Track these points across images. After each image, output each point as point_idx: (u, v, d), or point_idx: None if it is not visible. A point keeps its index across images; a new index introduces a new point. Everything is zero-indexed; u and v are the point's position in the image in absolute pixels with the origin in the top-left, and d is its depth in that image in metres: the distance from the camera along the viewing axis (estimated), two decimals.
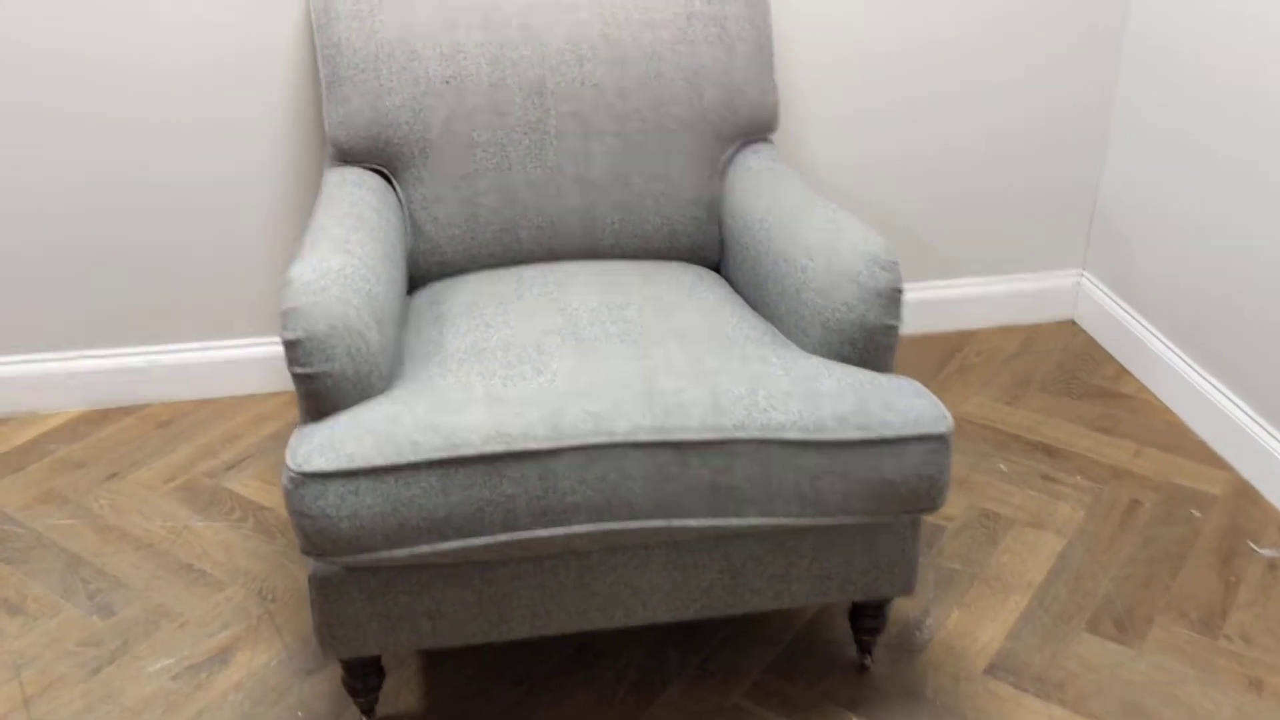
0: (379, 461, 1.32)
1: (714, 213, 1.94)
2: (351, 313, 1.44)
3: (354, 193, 1.76)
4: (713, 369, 1.43)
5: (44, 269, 2.16)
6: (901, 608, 1.79)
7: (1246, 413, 2.09)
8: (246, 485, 2.07)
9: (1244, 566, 1.87)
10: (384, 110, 1.80)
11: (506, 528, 1.35)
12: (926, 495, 1.43)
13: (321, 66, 1.83)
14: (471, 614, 1.46)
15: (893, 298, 1.54)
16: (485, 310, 1.65)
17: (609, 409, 1.36)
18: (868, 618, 1.63)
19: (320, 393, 1.44)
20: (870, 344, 1.55)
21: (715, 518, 1.39)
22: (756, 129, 1.95)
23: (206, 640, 1.71)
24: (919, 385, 1.48)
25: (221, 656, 1.68)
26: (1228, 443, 2.13)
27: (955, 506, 2.01)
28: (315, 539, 1.33)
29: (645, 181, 1.89)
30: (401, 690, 1.63)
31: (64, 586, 1.82)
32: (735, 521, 1.40)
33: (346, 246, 1.55)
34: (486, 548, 1.36)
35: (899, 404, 1.43)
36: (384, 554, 1.35)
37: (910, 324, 2.55)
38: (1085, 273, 2.59)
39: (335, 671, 1.66)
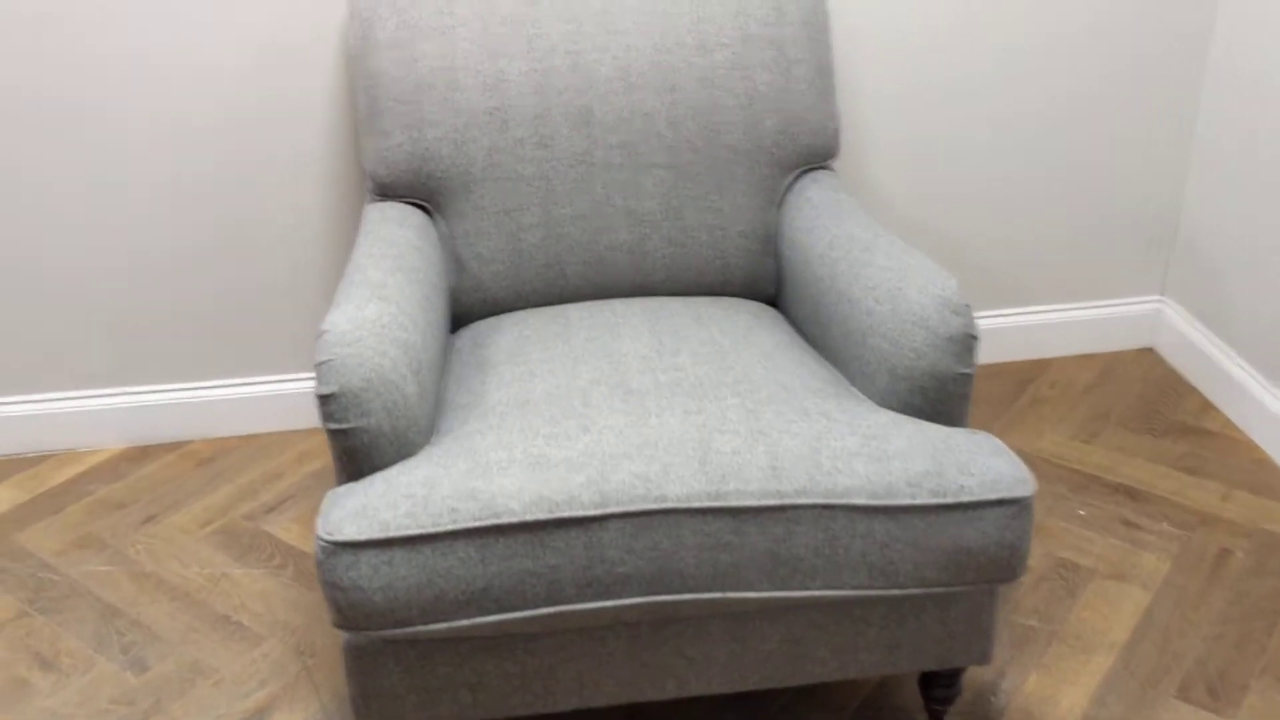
0: (414, 530, 1.23)
1: (770, 245, 1.83)
2: (388, 365, 1.36)
3: (394, 230, 1.68)
4: (772, 426, 1.33)
5: (86, 306, 2.11)
6: (975, 670, 1.67)
7: None
8: (286, 529, 2.00)
9: None
10: (425, 143, 1.72)
11: (550, 600, 1.26)
12: (1006, 564, 1.32)
13: (360, 99, 1.76)
14: (514, 686, 1.37)
15: (966, 344, 1.43)
16: (529, 356, 1.56)
17: (660, 472, 1.27)
18: (940, 686, 1.51)
19: (356, 449, 1.36)
20: (942, 393, 1.44)
21: (775, 590, 1.29)
22: (816, 156, 1.84)
23: (242, 700, 1.64)
24: (997, 442, 1.37)
25: (257, 718, 1.61)
26: None
27: (1031, 556, 1.89)
28: (348, 612, 1.25)
29: (698, 214, 1.79)
30: None
31: (98, 639, 1.75)
32: (797, 594, 1.29)
33: (383, 292, 1.47)
34: (529, 621, 1.27)
35: (976, 465, 1.31)
36: (420, 628, 1.26)
37: (980, 353, 2.42)
38: (1166, 299, 2.45)
39: None
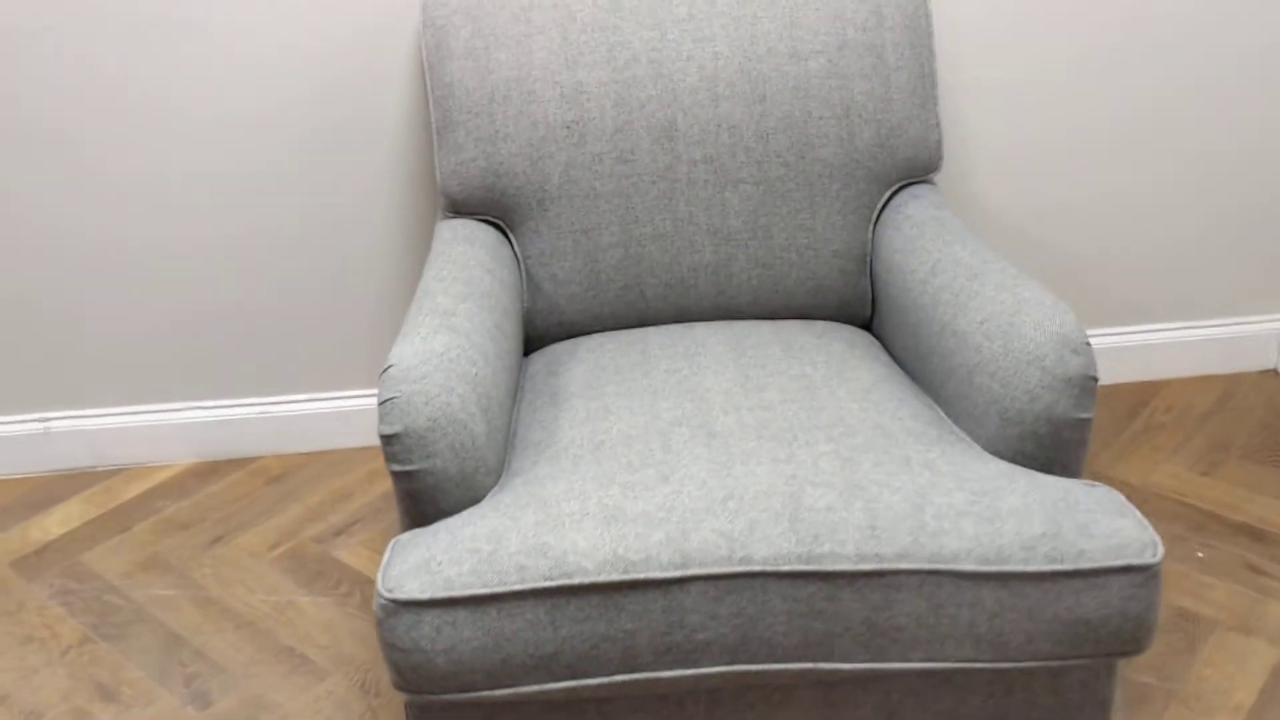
0: (480, 589, 1.14)
1: (865, 266, 1.71)
2: (455, 402, 1.27)
3: (465, 250, 1.59)
4: (870, 478, 1.21)
5: (155, 321, 2.06)
6: None
7: None
8: (355, 554, 1.93)
9: None
10: (499, 159, 1.63)
11: (625, 667, 1.16)
12: (1130, 636, 1.19)
13: (433, 110, 1.67)
14: None
15: (1085, 386, 1.29)
16: (605, 389, 1.46)
17: (745, 530, 1.16)
18: None
19: (420, 492, 1.28)
20: (1057, 440, 1.31)
21: (872, 661, 1.17)
22: (916, 170, 1.71)
23: None
24: (1120, 499, 1.23)
25: None
26: None
27: None
28: (408, 674, 1.16)
29: (788, 233, 1.67)
30: None
31: (161, 670, 1.70)
32: (896, 665, 1.18)
33: (452, 321, 1.38)
34: (602, 687, 1.17)
35: (1097, 526, 1.18)
36: (485, 694, 1.17)
37: None
38: None
39: None
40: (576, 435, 1.36)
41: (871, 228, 1.70)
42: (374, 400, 2.18)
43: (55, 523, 2.03)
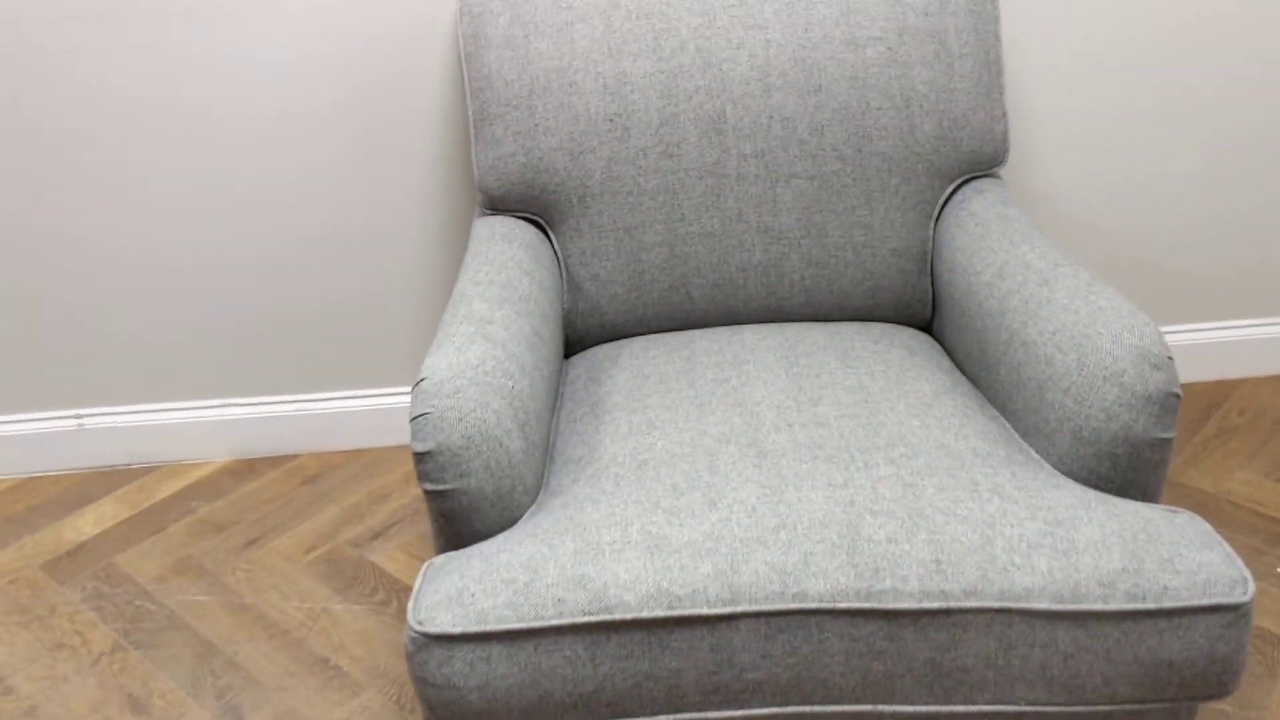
0: (515, 624, 1.07)
1: (925, 265, 1.62)
2: (491, 419, 1.20)
3: (503, 250, 1.52)
4: (934, 506, 1.13)
5: (193, 316, 2.01)
6: None
7: None
8: (392, 559, 1.87)
9: None
10: (539, 153, 1.55)
11: (670, 707, 1.09)
12: (1216, 679, 1.10)
13: (470, 102, 1.59)
14: None
15: (1167, 404, 1.20)
16: (649, 400, 1.38)
17: (799, 564, 1.08)
18: None
19: (454, 511, 1.21)
20: (1135, 461, 1.22)
21: (936, 704, 1.09)
22: (981, 163, 1.61)
23: None
24: (1205, 527, 1.14)
25: None
26: None
27: None
28: (440, 711, 1.10)
29: (843, 230, 1.58)
30: None
31: (193, 680, 1.66)
32: (961, 709, 1.09)
33: (488, 329, 1.31)
34: None
35: (1182, 560, 1.09)
36: None
37: None
38: None
39: None
40: (618, 452, 1.28)
41: (932, 225, 1.61)
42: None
43: (89, 523, 1.99)
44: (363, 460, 2.12)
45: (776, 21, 1.54)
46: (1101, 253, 2.05)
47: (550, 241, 1.61)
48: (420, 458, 1.20)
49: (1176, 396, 1.21)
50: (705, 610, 1.06)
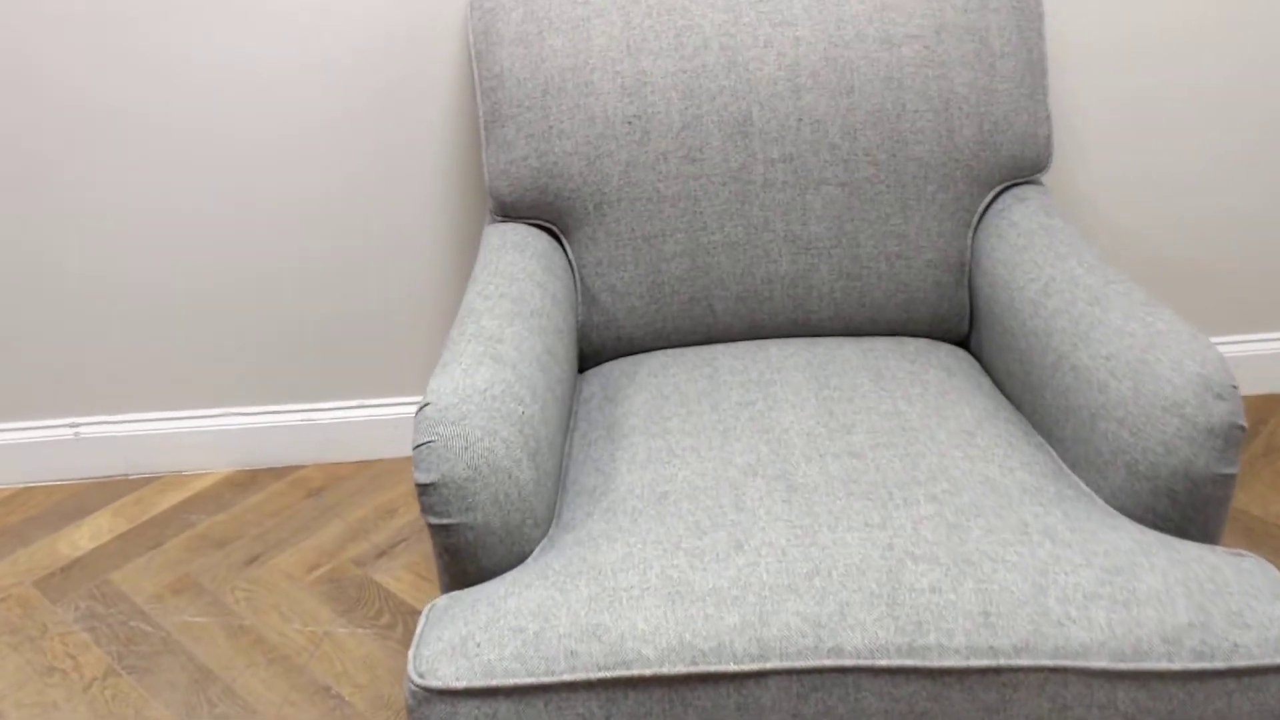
0: (524, 678, 0.99)
1: (963, 276, 1.52)
2: (499, 448, 1.12)
3: (514, 260, 1.43)
4: (981, 550, 1.03)
5: (193, 325, 1.93)
6: None
7: None
8: (398, 579, 1.79)
9: None
10: (553, 157, 1.46)
11: None
12: None
13: (480, 103, 1.51)
14: None
15: (1230, 438, 1.11)
16: (668, 423, 1.29)
17: (835, 615, 0.99)
18: None
19: (460, 546, 1.13)
20: (1195, 498, 1.12)
21: None
22: (1023, 169, 1.51)
23: None
24: (1276, 575, 1.05)
25: None
26: None
27: None
28: None
29: (876, 240, 1.49)
30: None
31: (188, 709, 1.58)
32: None
33: (497, 349, 1.22)
34: None
35: (1252, 613, 1.00)
36: None
37: None
38: None
39: None
40: (636, 483, 1.19)
41: (971, 234, 1.51)
42: None
43: (84, 536, 1.92)
44: (370, 472, 2.04)
45: (806, 18, 1.45)
46: (1141, 258, 1.95)
47: (564, 250, 1.52)
48: (423, 489, 1.12)
49: (1241, 429, 1.11)
50: (731, 666, 0.97)
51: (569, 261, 1.52)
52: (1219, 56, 1.80)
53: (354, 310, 1.93)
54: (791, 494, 1.12)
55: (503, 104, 1.48)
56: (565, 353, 1.40)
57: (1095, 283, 1.28)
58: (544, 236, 1.51)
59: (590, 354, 1.56)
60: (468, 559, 1.14)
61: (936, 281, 1.51)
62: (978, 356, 1.53)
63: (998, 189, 1.51)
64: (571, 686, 0.98)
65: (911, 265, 1.50)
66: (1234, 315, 2.02)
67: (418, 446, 1.12)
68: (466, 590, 1.11)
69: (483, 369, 1.19)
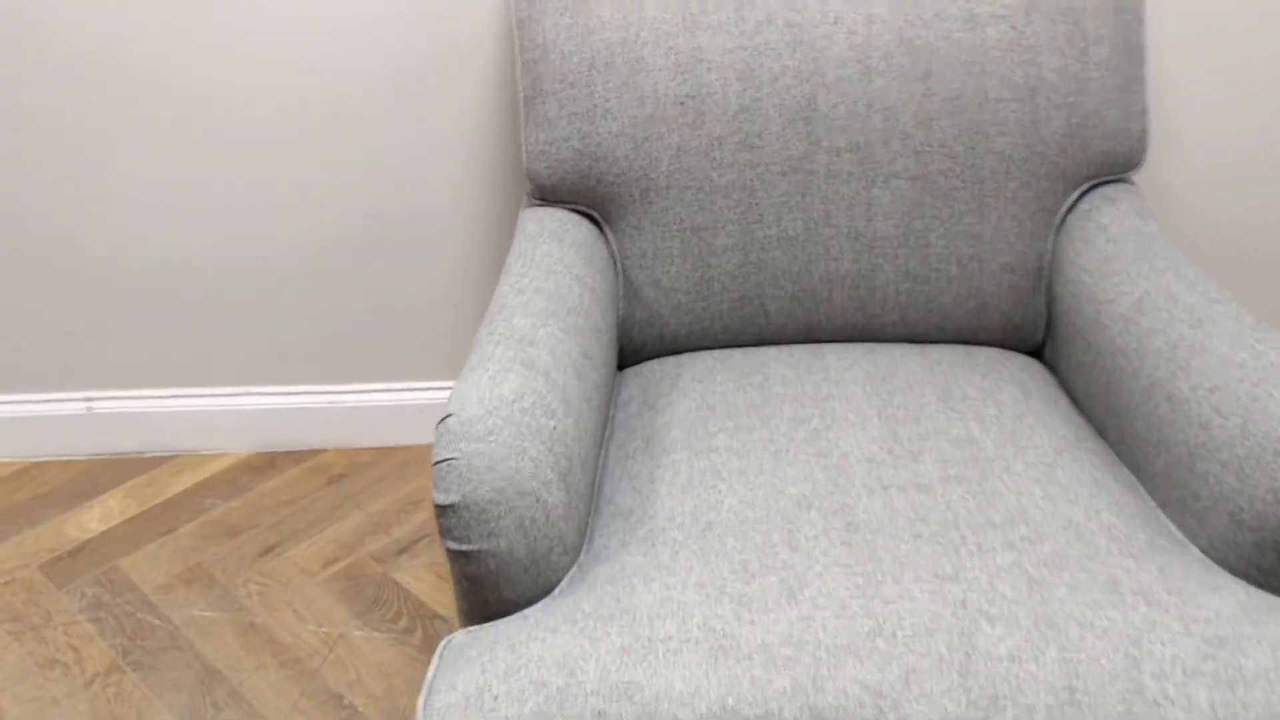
0: None
1: (1041, 282, 1.39)
2: (527, 468, 1.00)
3: (551, 251, 1.31)
4: (1067, 611, 0.91)
5: (213, 300, 1.83)
6: None
7: None
8: (419, 578, 1.69)
9: None
10: (597, 139, 1.34)
11: None
12: None
13: (520, 76, 1.38)
14: None
15: None
16: (714, 439, 1.18)
17: (900, 683, 0.87)
18: None
19: (481, 575, 1.02)
20: None
21: None
22: (1113, 166, 1.38)
23: None
24: None
25: None
26: None
27: None
28: None
29: (948, 240, 1.36)
30: None
31: (192, 712, 1.49)
32: None
33: (529, 353, 1.11)
34: None
35: None
36: None
37: None
38: None
39: None
40: (677, 509, 1.08)
41: (1052, 237, 1.38)
42: (448, 394, 1.92)
43: (94, 518, 1.83)
44: (393, 460, 1.94)
45: None
46: (1248, 274, 1.79)
47: (606, 240, 1.40)
48: (442, 511, 1.01)
49: None
50: None
51: (611, 252, 1.40)
52: None
53: (380, 289, 1.82)
54: (851, 533, 1.00)
55: (544, 78, 1.36)
56: (603, 354, 1.28)
57: (1197, 302, 1.15)
58: (584, 224, 1.39)
59: (630, 351, 1.45)
60: (489, 589, 1.03)
61: (1012, 287, 1.38)
62: (1052, 369, 1.40)
63: (1084, 187, 1.38)
64: None
65: (985, 268, 1.37)
66: None
67: (438, 463, 1.02)
68: (486, 626, 1.00)
69: (512, 376, 1.07)
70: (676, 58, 1.32)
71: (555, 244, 1.33)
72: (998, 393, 1.24)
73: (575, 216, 1.40)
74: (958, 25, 1.31)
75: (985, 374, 1.29)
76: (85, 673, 1.56)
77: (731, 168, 1.33)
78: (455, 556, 1.02)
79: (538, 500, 1.02)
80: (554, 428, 1.05)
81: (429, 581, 1.69)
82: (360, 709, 1.49)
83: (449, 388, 1.92)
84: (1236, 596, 0.95)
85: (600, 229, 1.40)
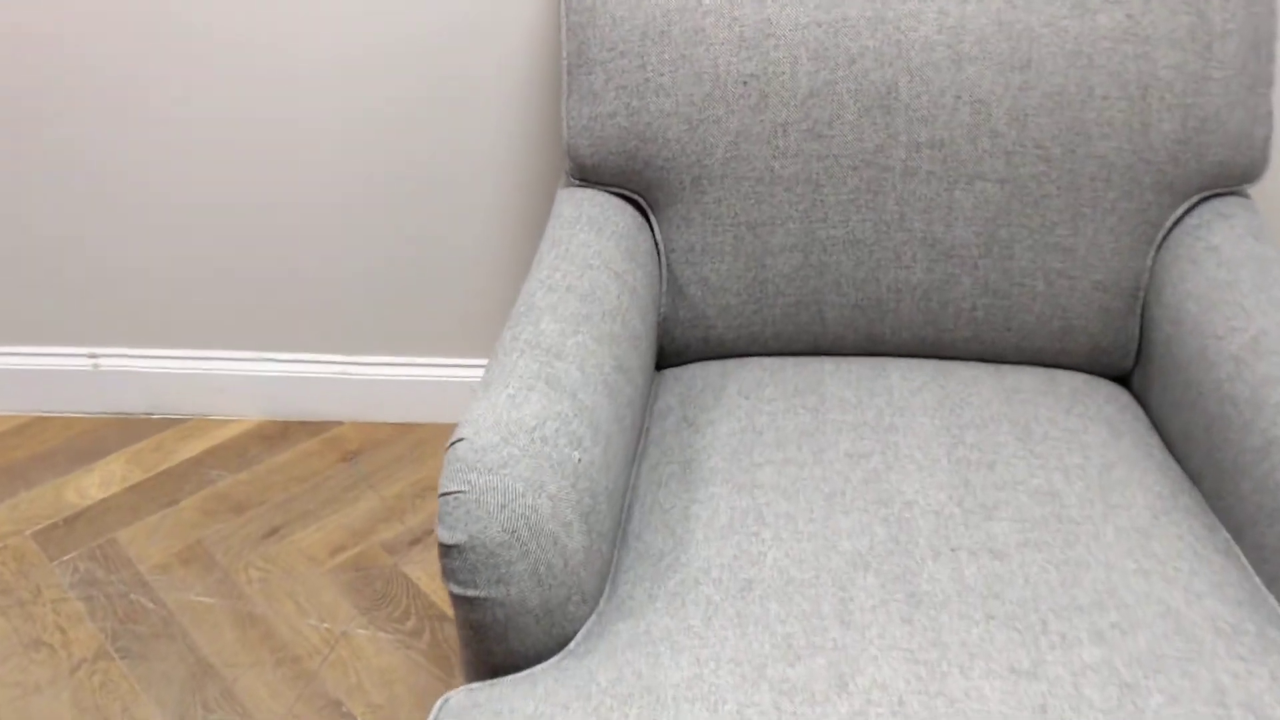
0: None
1: (1136, 305, 1.23)
2: (545, 507, 0.88)
3: (589, 242, 1.18)
4: None
5: (230, 259, 1.71)
6: None
7: None
8: (430, 573, 1.58)
9: None
10: (647, 116, 1.19)
11: None
12: None
13: (565, 42, 1.23)
14: None
15: None
16: (759, 472, 1.04)
17: None
18: None
19: (486, 625, 0.90)
20: None
21: None
22: (1229, 178, 1.21)
23: None
24: None
25: None
26: None
27: None
28: None
29: (1035, 253, 1.20)
30: None
31: (180, 710, 1.39)
32: None
33: (554, 368, 0.98)
34: None
35: None
36: None
37: None
38: None
39: None
40: (714, 559, 0.95)
41: (1153, 254, 1.22)
42: (472, 373, 1.80)
43: (94, 483, 1.73)
44: (411, 438, 1.82)
45: None
46: None
47: (650, 230, 1.26)
48: (446, 551, 0.89)
49: None
50: None
51: (655, 244, 1.26)
52: None
53: (405, 259, 1.69)
54: (914, 608, 0.87)
55: (591, 45, 1.21)
56: (640, 361, 1.15)
57: None
58: (627, 210, 1.25)
59: (672, 352, 1.31)
60: (495, 640, 0.91)
61: (1103, 308, 1.23)
62: (1141, 401, 1.25)
63: (1193, 200, 1.21)
64: None
65: (1076, 286, 1.22)
66: None
67: (444, 495, 0.89)
68: (489, 685, 0.88)
69: (535, 397, 0.94)
70: (741, 30, 1.16)
71: (593, 233, 1.19)
72: (1084, 433, 1.10)
73: (618, 201, 1.26)
74: (1065, 10, 1.14)
75: (1069, 408, 1.14)
76: (71, 657, 1.46)
77: (796, 158, 1.18)
78: (459, 602, 0.90)
79: (555, 544, 0.89)
80: (579, 460, 0.92)
81: (439, 580, 1.57)
82: (359, 719, 1.38)
83: (472, 365, 1.79)
84: None
85: (645, 217, 1.26)
